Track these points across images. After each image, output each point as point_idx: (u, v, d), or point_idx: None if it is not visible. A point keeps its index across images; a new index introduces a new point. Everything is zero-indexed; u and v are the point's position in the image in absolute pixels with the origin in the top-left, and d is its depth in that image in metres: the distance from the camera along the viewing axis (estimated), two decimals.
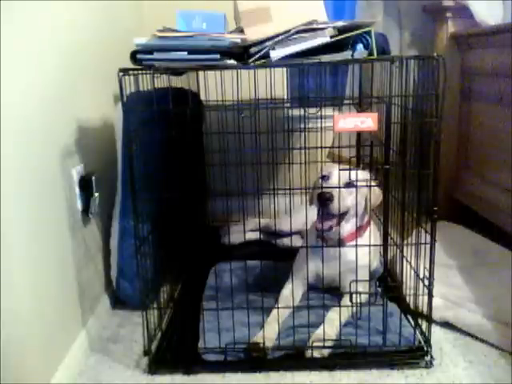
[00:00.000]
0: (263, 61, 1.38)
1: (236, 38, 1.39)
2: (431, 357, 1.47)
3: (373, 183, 1.62)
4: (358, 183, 1.51)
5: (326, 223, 1.61)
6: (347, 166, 1.55)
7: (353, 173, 1.58)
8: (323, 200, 1.56)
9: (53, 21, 1.48)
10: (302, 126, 1.96)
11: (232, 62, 1.39)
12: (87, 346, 1.60)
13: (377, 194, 1.66)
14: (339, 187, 1.53)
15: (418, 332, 1.53)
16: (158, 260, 1.67)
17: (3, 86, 1.16)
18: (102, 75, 1.84)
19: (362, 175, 1.62)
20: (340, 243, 1.67)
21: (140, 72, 1.43)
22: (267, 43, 1.36)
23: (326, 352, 1.47)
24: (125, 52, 1.41)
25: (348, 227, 1.68)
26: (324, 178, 1.67)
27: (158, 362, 1.50)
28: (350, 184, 1.56)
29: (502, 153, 2.03)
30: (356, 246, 1.51)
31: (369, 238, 1.60)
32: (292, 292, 1.63)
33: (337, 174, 1.63)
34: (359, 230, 1.68)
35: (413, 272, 1.54)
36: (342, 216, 1.63)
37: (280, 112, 2.54)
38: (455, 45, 2.38)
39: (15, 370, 1.24)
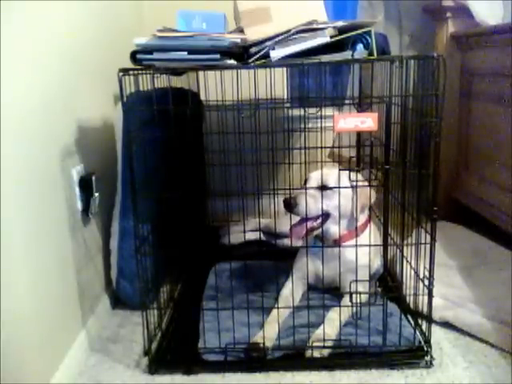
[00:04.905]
0: (263, 61, 1.38)
1: (236, 38, 1.39)
2: (431, 357, 1.47)
3: (365, 183, 1.62)
4: (340, 184, 1.53)
5: (300, 228, 1.65)
6: (346, 167, 1.55)
7: (331, 176, 1.59)
8: (286, 206, 1.62)
9: (53, 21, 1.48)
10: (302, 126, 1.95)
11: (232, 62, 1.39)
12: (87, 346, 1.60)
13: (367, 195, 1.61)
14: (304, 188, 1.57)
15: (418, 332, 1.53)
16: (158, 260, 1.67)
17: (3, 86, 1.16)
18: (102, 75, 1.84)
19: (347, 177, 1.54)
20: (334, 244, 1.68)
21: (140, 72, 1.43)
22: (267, 43, 1.36)
23: (326, 352, 1.47)
24: (125, 52, 1.41)
25: (337, 229, 1.68)
26: (306, 181, 1.71)
27: (158, 362, 1.50)
28: (325, 187, 1.62)
29: (501, 153, 2.03)
30: (356, 246, 1.51)
31: (368, 237, 1.60)
32: (292, 292, 1.63)
33: (314, 177, 1.67)
34: (356, 230, 1.68)
35: (413, 272, 1.54)
36: (325, 218, 1.66)
37: (280, 112, 2.53)
38: (455, 45, 2.38)
39: (15, 369, 1.24)
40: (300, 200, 1.60)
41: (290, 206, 1.61)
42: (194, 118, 1.60)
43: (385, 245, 1.75)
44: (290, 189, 1.60)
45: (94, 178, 1.62)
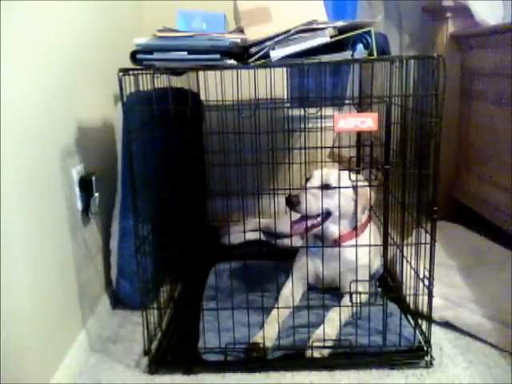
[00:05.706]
0: (263, 61, 1.38)
1: (236, 38, 1.39)
2: (431, 357, 1.47)
3: (365, 183, 1.62)
4: (341, 184, 1.53)
5: (300, 225, 1.65)
6: (346, 167, 1.55)
7: (333, 175, 1.59)
8: (288, 203, 1.61)
9: (53, 21, 1.47)
10: (302, 126, 1.95)
11: (232, 61, 1.39)
12: (87, 346, 1.60)
13: (367, 196, 1.60)
14: (304, 189, 1.58)
15: (418, 332, 1.53)
16: (158, 260, 1.67)
17: (3, 86, 1.16)
18: (102, 75, 1.84)
19: (347, 177, 1.52)
20: (334, 244, 1.68)
21: (140, 72, 1.43)
22: (267, 43, 1.36)
23: (326, 352, 1.47)
24: (125, 52, 1.41)
25: (337, 228, 1.68)
26: (307, 179, 1.70)
27: (157, 362, 1.50)
28: (327, 186, 1.61)
29: (501, 153, 2.03)
30: (356, 246, 1.51)
31: (368, 237, 1.60)
32: (292, 292, 1.63)
33: (317, 176, 1.66)
34: (355, 230, 1.68)
35: (413, 272, 1.54)
36: (326, 217, 1.66)
37: (280, 112, 2.54)
38: (455, 45, 2.38)
39: (15, 369, 1.24)
40: (302, 198, 1.60)
41: (293, 203, 1.61)
42: (194, 118, 1.60)
43: (385, 245, 1.75)
44: (290, 189, 1.60)
45: (93, 178, 1.62)
